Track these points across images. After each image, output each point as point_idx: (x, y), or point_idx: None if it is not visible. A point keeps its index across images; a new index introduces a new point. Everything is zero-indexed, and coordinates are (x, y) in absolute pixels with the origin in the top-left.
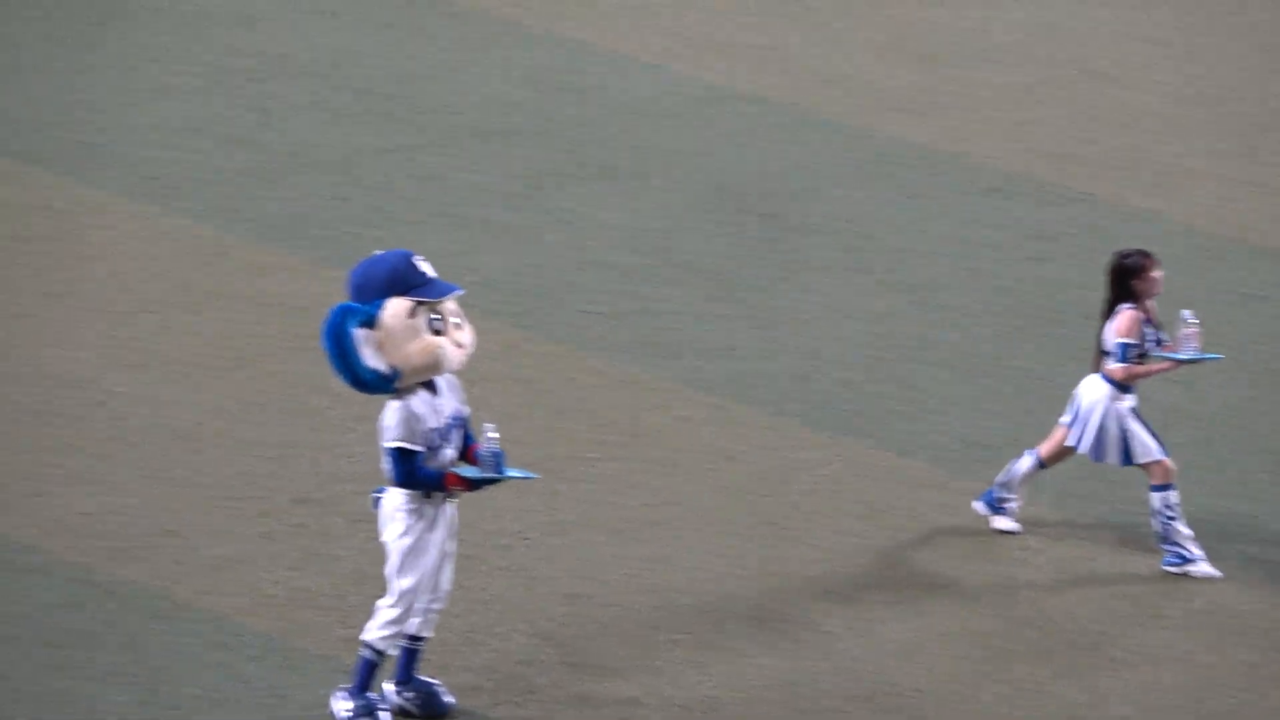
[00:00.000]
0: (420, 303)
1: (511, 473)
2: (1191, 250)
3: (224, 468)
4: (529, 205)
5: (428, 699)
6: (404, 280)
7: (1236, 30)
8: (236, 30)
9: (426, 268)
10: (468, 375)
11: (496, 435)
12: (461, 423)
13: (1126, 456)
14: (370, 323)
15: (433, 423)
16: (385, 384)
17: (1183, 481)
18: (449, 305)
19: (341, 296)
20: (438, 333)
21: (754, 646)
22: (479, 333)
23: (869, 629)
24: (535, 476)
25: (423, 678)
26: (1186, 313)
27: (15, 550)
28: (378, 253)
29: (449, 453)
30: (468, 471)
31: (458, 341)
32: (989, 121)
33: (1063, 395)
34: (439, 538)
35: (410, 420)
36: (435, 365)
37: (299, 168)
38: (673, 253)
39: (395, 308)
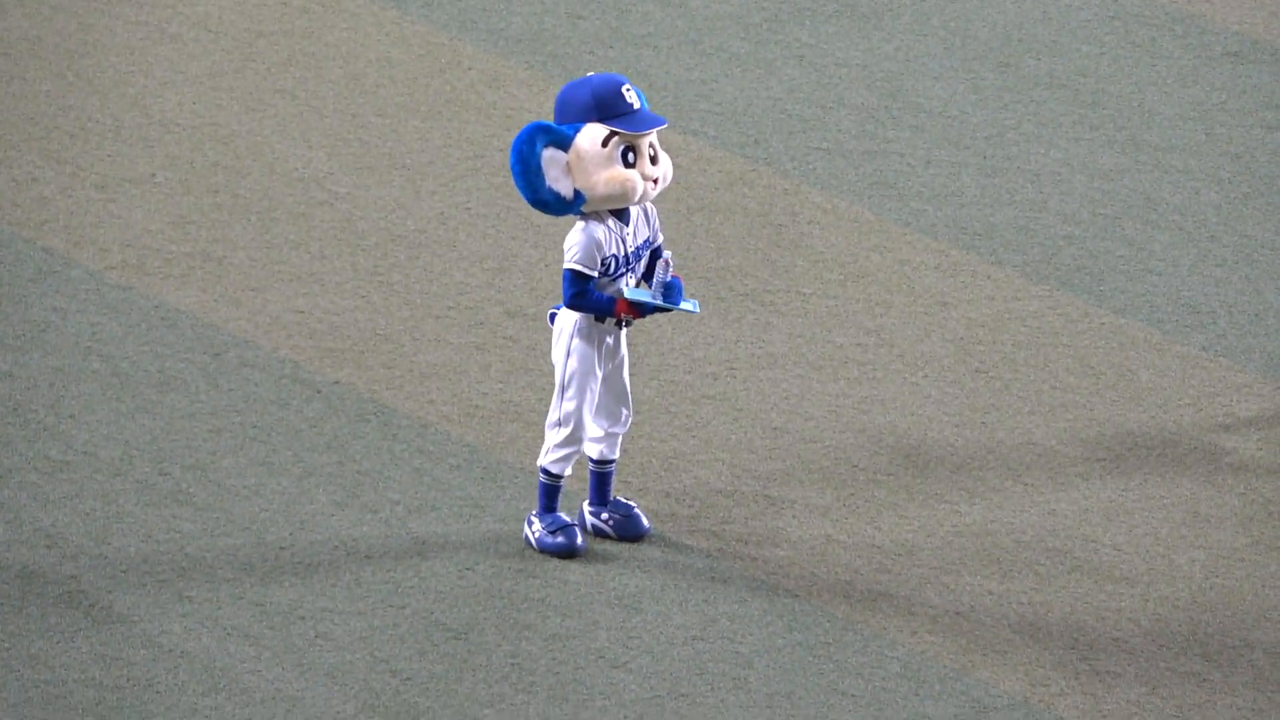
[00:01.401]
0: (615, 133)
1: (681, 304)
2: None
3: (442, 276)
4: (767, 38)
5: (624, 521)
6: (606, 107)
7: None
8: None
9: (633, 98)
10: (691, 203)
11: (671, 264)
12: (649, 251)
13: None
14: (562, 144)
15: (614, 249)
16: (566, 207)
17: None
18: (646, 138)
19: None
20: (630, 165)
21: (954, 493)
22: (708, 162)
23: (1071, 484)
24: (699, 310)
25: (620, 499)
26: None
27: (229, 342)
28: (590, 74)
29: (630, 280)
30: (637, 295)
31: (648, 175)
32: None
33: None
34: (608, 362)
35: (590, 245)
36: (622, 196)
37: None
38: (907, 94)
39: (590, 134)
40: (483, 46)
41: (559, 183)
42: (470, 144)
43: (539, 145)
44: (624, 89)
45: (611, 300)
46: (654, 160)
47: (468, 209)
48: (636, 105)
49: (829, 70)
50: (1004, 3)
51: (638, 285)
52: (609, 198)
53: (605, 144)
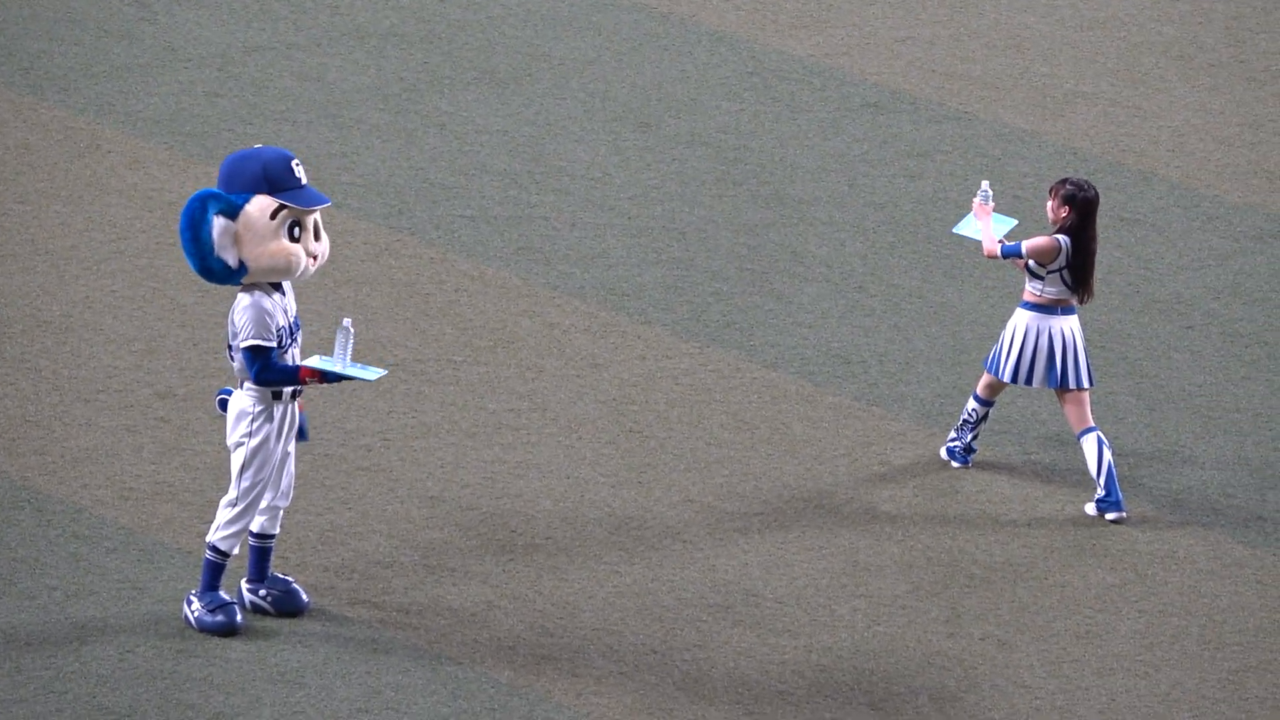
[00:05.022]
0: (285, 206)
1: (364, 370)
2: (1070, 173)
3: (90, 360)
4: (407, 108)
5: (283, 597)
6: (276, 181)
7: None
8: None
9: (301, 174)
10: (337, 276)
11: (352, 331)
12: (300, 324)
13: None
14: (231, 213)
15: (281, 320)
16: (232, 277)
17: (1055, 405)
18: (312, 214)
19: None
20: (295, 239)
21: (613, 553)
22: (352, 234)
23: (731, 539)
24: (383, 374)
25: (278, 575)
26: None
27: None
28: (257, 146)
29: (294, 352)
30: (321, 363)
31: (312, 251)
32: (871, 37)
33: (934, 311)
34: (283, 438)
35: (262, 316)
36: (285, 270)
37: (176, 62)
38: (549, 158)
39: (260, 206)
40: (121, 129)
41: (225, 252)
42: (113, 226)
43: (210, 212)
44: (293, 164)
45: (296, 369)
46: (317, 236)
47: (113, 292)
48: (304, 181)
49: (470, 137)
50: (642, 64)
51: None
52: (273, 270)
53: (274, 216)
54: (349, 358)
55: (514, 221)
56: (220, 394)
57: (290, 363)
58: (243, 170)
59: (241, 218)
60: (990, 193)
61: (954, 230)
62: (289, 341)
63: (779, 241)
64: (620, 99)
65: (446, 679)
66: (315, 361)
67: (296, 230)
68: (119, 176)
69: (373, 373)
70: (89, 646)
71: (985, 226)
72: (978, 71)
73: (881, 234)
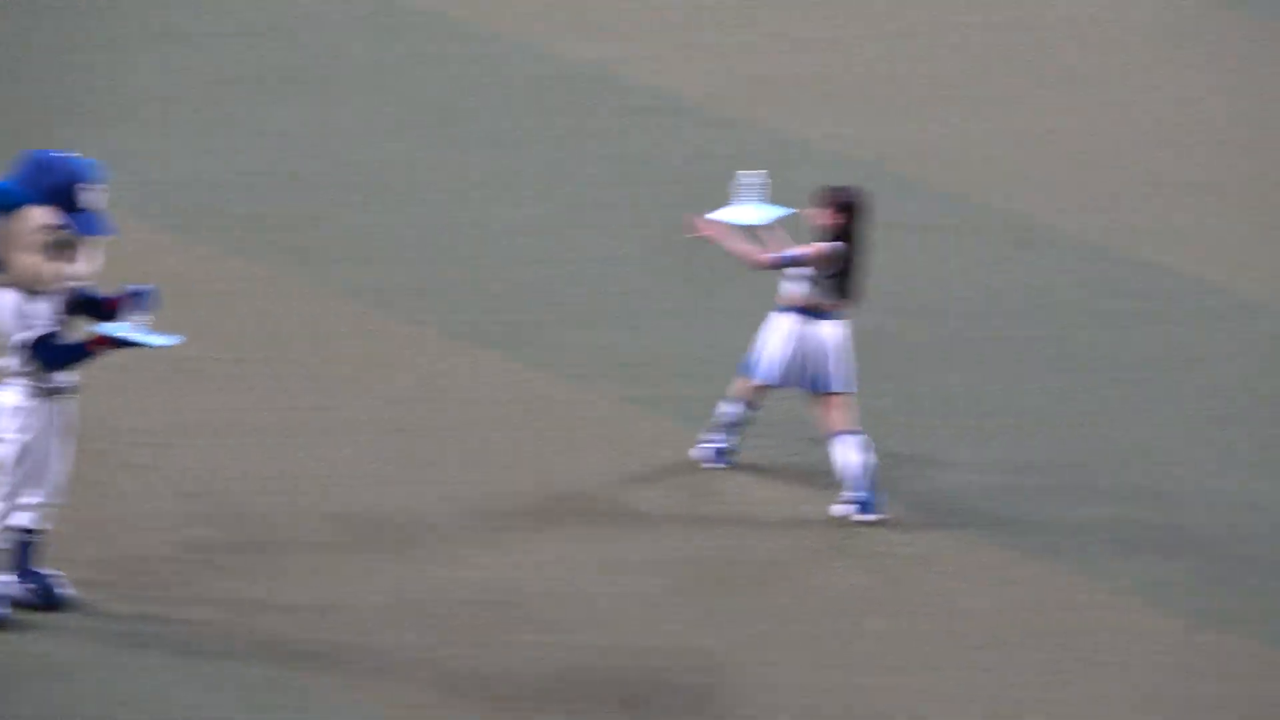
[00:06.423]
0: (60, 227)
1: (155, 336)
2: (841, 180)
3: None
4: (210, 110)
5: (47, 590)
6: (67, 198)
7: None
8: None
9: (96, 199)
10: (111, 275)
11: (145, 297)
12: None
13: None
14: (7, 210)
15: (44, 311)
16: None
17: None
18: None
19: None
20: (54, 256)
21: (377, 552)
22: (126, 232)
23: (494, 538)
24: (177, 340)
25: (42, 570)
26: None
27: None
28: (72, 156)
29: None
30: (109, 330)
31: (62, 272)
32: (653, 45)
33: (700, 315)
34: (55, 434)
35: (22, 308)
36: (30, 284)
37: None
38: (332, 160)
39: (35, 217)
40: None
41: None
42: None
43: None
44: (92, 185)
45: (82, 343)
46: (80, 259)
47: None
48: (98, 206)
49: (265, 139)
50: (432, 68)
51: (103, 315)
52: (18, 280)
53: (45, 231)
54: (141, 325)
55: (291, 221)
56: None
57: (76, 340)
58: (43, 175)
59: (14, 219)
60: (755, 183)
61: (711, 216)
62: (58, 331)
63: (555, 244)
64: (411, 102)
65: (207, 674)
66: (104, 328)
67: (61, 249)
68: None
69: (165, 339)
70: None
71: (746, 218)
72: (760, 75)
73: (651, 238)
